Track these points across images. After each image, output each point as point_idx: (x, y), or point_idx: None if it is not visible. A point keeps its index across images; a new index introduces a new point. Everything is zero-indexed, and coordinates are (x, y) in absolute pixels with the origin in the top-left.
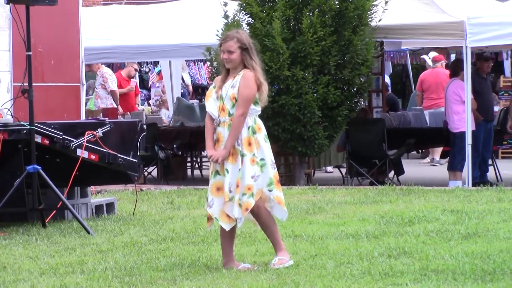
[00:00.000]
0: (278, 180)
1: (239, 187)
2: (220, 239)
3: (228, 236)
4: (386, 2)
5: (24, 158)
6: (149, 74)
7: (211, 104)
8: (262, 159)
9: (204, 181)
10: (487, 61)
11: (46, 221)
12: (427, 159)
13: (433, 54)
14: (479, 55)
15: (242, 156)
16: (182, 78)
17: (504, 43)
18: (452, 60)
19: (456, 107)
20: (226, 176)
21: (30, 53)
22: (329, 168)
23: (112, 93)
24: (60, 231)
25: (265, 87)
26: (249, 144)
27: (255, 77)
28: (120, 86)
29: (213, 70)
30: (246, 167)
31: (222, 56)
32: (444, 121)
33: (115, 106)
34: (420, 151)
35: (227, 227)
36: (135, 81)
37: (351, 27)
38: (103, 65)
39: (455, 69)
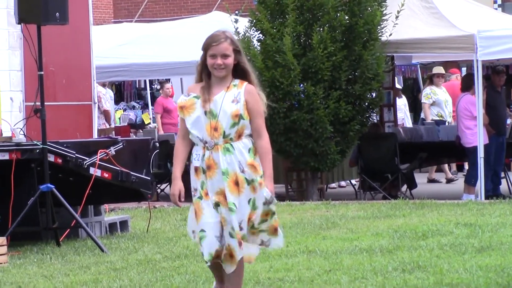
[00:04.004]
0: None
1: (252, 219)
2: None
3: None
4: (397, 17)
5: (37, 177)
6: (161, 91)
7: (197, 122)
8: None
9: None
10: (499, 75)
11: (60, 239)
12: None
13: None
14: (493, 69)
15: (250, 183)
16: None
17: None
18: (464, 74)
19: (467, 122)
20: (233, 213)
21: (42, 72)
22: (343, 183)
23: (105, 112)
24: (74, 250)
25: (264, 98)
26: (254, 168)
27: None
28: None
29: None
30: (258, 194)
31: (214, 61)
32: (457, 136)
33: (108, 126)
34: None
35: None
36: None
37: (361, 42)
38: (97, 84)
39: (467, 83)
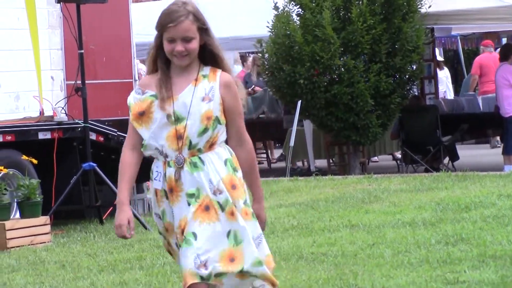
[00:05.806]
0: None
1: (236, 258)
2: None
3: None
4: None
5: (80, 155)
6: None
7: (158, 132)
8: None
9: (268, 172)
10: None
11: (104, 217)
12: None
13: None
14: None
15: (224, 208)
16: None
17: None
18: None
19: (505, 92)
20: (188, 246)
21: (82, 51)
22: (375, 158)
23: None
24: None
25: (243, 91)
26: (234, 187)
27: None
28: None
29: (265, 63)
30: (241, 224)
31: (173, 47)
32: (496, 106)
33: None
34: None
35: None
36: None
37: (401, 14)
38: (138, 61)
39: (505, 53)
